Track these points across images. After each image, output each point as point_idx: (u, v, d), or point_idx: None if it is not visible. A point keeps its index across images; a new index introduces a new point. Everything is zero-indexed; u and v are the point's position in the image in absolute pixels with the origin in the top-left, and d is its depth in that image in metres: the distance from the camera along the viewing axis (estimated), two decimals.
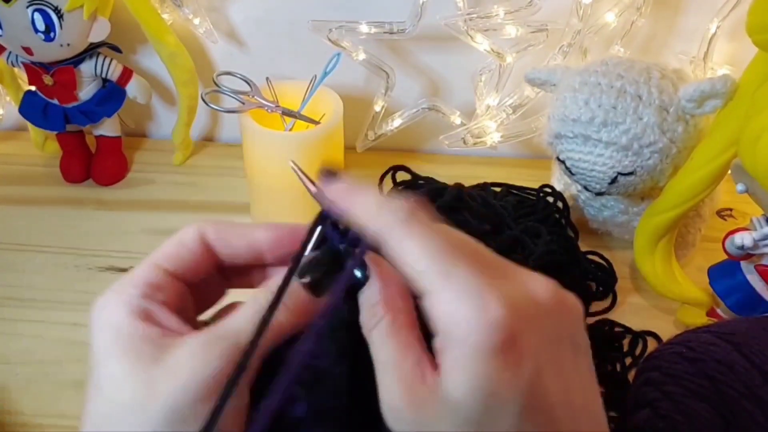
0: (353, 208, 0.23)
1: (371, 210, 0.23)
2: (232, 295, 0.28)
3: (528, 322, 0.21)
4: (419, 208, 0.22)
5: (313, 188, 0.26)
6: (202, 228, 0.25)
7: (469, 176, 0.61)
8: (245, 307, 0.23)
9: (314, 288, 0.24)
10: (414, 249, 0.21)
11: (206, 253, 0.25)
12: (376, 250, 0.23)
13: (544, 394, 0.21)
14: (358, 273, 0.23)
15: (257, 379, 0.23)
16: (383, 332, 0.22)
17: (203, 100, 0.53)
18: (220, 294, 0.28)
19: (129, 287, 0.23)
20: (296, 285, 0.24)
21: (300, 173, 0.26)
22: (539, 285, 0.22)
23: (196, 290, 0.26)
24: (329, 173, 0.25)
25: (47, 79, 0.59)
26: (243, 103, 0.53)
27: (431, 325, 0.21)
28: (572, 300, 0.23)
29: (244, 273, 0.27)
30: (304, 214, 0.58)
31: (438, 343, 0.21)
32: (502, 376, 0.20)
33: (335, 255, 0.24)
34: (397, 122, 0.65)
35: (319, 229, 0.25)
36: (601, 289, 0.55)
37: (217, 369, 0.21)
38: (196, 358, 0.21)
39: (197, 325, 0.25)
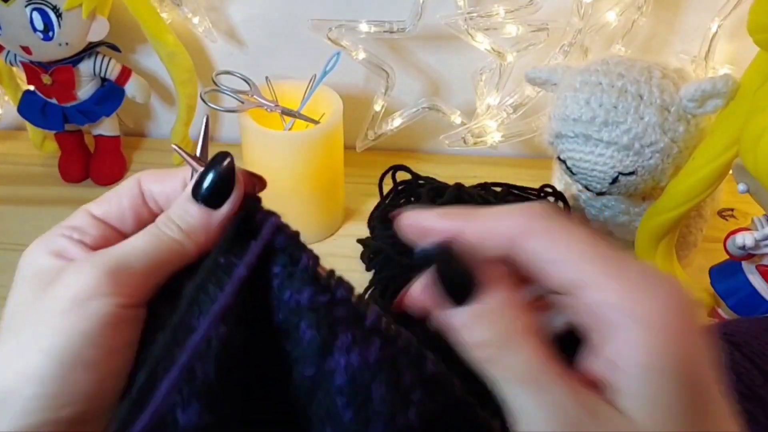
0: (474, 218, 0.22)
1: (496, 213, 0.21)
2: None
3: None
4: (553, 207, 0.21)
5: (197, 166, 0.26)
6: (141, 179, 0.27)
7: (470, 176, 0.61)
8: (141, 231, 0.24)
9: (209, 199, 0.24)
10: (566, 237, 0.20)
11: (142, 203, 0.26)
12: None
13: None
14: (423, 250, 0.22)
15: (153, 302, 0.24)
16: (523, 349, 0.19)
17: (202, 99, 0.53)
18: None
19: (53, 231, 0.25)
20: (190, 205, 0.24)
21: (186, 156, 0.26)
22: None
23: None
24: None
25: (46, 79, 0.58)
26: (242, 103, 0.53)
27: (590, 320, 0.19)
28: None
29: None
30: (304, 215, 0.58)
31: (607, 336, 0.19)
32: (702, 356, 0.18)
33: (224, 170, 0.24)
34: (397, 122, 0.65)
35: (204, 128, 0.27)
36: None
37: (84, 282, 0.22)
38: (69, 275, 0.22)
39: None
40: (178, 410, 0.20)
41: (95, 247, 0.24)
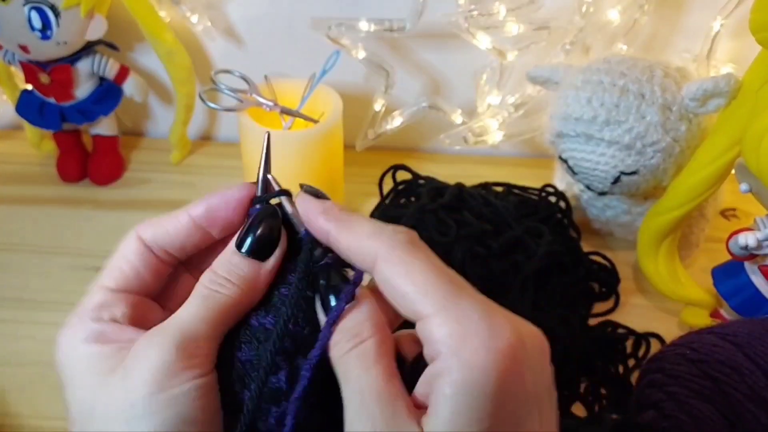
0: (346, 229, 0.23)
1: (367, 230, 0.23)
2: None
3: (528, 360, 0.21)
4: (416, 237, 0.23)
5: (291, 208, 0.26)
6: (140, 232, 0.26)
7: (470, 175, 0.60)
8: (191, 295, 0.24)
9: (257, 252, 0.24)
10: (418, 269, 0.21)
11: (152, 257, 0.26)
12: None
13: None
14: (316, 252, 0.24)
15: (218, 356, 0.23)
16: (369, 355, 0.22)
17: (201, 98, 0.53)
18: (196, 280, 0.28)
19: (79, 317, 0.24)
20: (238, 259, 0.24)
21: (275, 184, 0.26)
22: (529, 328, 0.22)
23: (164, 290, 0.27)
24: (312, 192, 0.25)
25: (44, 78, 0.58)
26: (241, 102, 0.53)
27: (428, 350, 0.21)
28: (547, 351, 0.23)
29: (212, 253, 0.27)
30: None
31: (436, 367, 0.20)
32: (507, 402, 0.20)
33: (272, 222, 0.25)
34: (397, 121, 0.64)
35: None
36: (603, 290, 0.54)
37: (160, 362, 0.21)
38: (139, 358, 0.22)
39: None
40: None
41: (131, 320, 0.24)
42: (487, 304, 0.21)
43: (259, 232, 0.24)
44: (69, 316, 0.25)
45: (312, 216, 0.24)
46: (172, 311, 0.24)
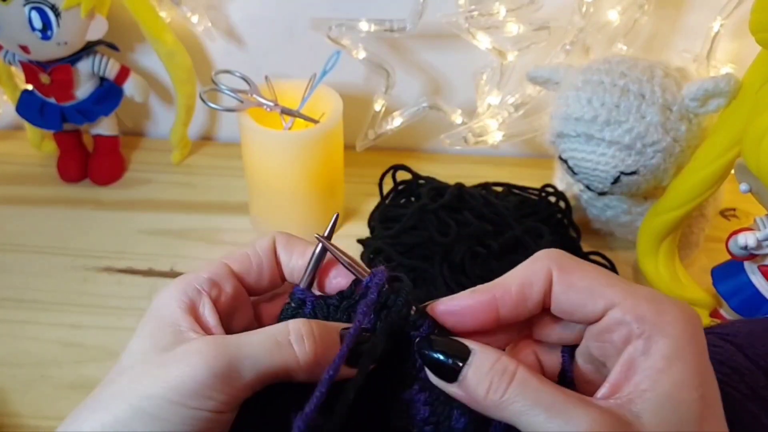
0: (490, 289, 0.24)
1: (525, 264, 0.24)
2: None
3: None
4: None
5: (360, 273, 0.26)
6: (276, 236, 0.27)
7: (471, 175, 0.60)
8: (264, 330, 0.24)
9: (352, 361, 0.23)
10: (590, 269, 0.23)
11: (275, 264, 0.27)
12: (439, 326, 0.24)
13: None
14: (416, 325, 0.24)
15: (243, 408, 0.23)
16: (528, 379, 0.21)
17: (201, 98, 0.53)
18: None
19: (189, 278, 0.25)
20: (335, 335, 0.24)
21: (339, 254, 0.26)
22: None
23: (259, 303, 0.28)
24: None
25: (44, 78, 0.58)
26: (242, 102, 0.53)
27: (617, 337, 0.22)
28: None
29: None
30: (304, 215, 0.58)
31: (636, 348, 0.21)
32: (708, 367, 0.21)
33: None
34: (397, 121, 0.64)
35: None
36: None
37: (193, 380, 0.21)
38: (192, 358, 0.22)
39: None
40: None
41: (224, 311, 0.25)
42: (652, 288, 0.23)
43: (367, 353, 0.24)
44: (188, 273, 0.26)
45: (464, 301, 0.24)
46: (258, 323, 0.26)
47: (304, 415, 0.20)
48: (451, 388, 0.23)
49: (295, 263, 0.27)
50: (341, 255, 0.26)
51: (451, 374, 0.23)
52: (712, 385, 0.22)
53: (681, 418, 0.21)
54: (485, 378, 0.22)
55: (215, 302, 0.25)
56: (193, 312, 0.24)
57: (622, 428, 0.20)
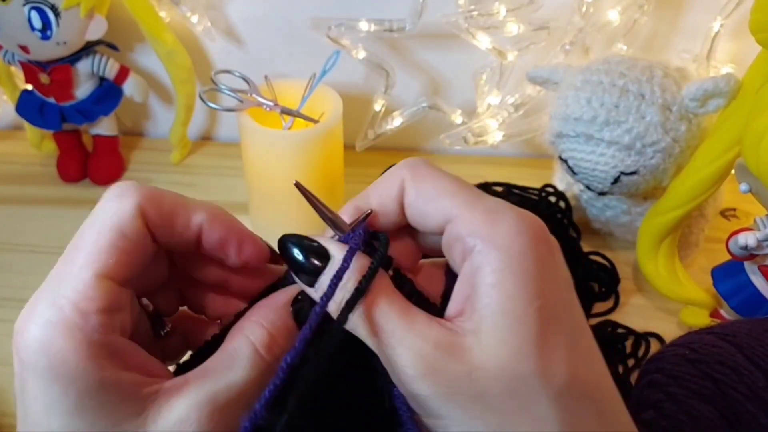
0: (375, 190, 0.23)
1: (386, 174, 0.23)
2: None
3: (555, 244, 0.22)
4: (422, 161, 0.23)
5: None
6: (141, 206, 0.22)
7: (471, 175, 0.60)
8: (237, 349, 0.21)
9: (298, 318, 0.23)
10: (434, 180, 0.22)
11: (148, 238, 0.22)
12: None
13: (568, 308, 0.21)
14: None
15: None
16: (382, 297, 0.21)
17: (201, 98, 0.53)
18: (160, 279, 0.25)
19: (77, 309, 0.19)
20: (288, 319, 0.23)
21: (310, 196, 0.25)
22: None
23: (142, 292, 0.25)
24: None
25: (44, 78, 0.58)
26: (241, 102, 0.53)
27: (458, 251, 0.21)
28: None
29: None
30: (304, 214, 0.58)
31: (472, 263, 0.20)
32: (550, 281, 0.20)
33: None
34: (397, 121, 0.64)
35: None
36: (603, 290, 0.54)
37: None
38: (189, 424, 0.19)
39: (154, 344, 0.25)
40: None
41: (130, 330, 0.22)
42: (506, 202, 0.22)
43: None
44: (37, 297, 0.20)
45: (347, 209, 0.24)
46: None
47: (253, 412, 0.18)
48: (314, 294, 0.22)
49: (181, 223, 0.23)
50: (323, 207, 0.24)
51: (310, 277, 0.22)
52: (558, 297, 0.20)
53: (517, 333, 0.19)
54: (339, 292, 0.21)
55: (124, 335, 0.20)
56: (118, 360, 0.19)
57: (452, 352, 0.19)
